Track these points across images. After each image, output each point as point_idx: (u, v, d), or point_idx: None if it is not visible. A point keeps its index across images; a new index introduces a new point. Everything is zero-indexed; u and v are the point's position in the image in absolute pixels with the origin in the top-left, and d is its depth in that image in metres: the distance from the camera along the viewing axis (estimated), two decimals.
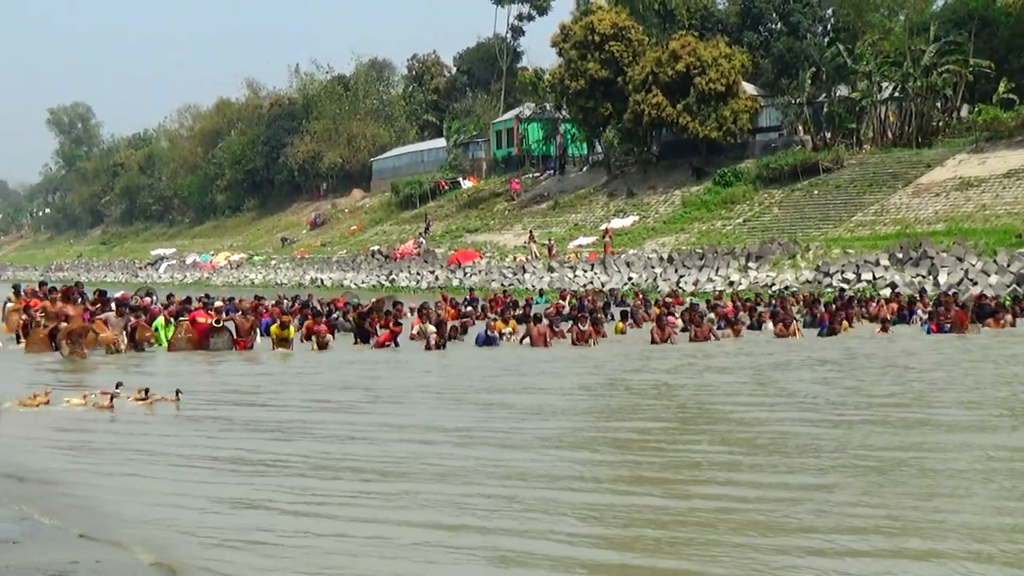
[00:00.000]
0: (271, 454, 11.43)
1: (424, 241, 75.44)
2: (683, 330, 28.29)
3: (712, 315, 30.98)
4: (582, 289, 52.42)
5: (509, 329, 28.82)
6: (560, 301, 38.77)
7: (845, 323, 29.26)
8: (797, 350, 24.38)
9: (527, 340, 26.95)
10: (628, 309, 34.78)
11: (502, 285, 58.04)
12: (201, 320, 25.34)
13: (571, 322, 28.79)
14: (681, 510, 8.69)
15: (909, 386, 17.30)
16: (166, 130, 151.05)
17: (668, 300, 37.64)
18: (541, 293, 48.15)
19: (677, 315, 30.96)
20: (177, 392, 15.24)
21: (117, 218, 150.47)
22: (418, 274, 67.56)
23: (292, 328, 25.76)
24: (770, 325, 29.77)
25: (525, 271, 60.77)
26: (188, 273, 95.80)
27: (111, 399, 14.75)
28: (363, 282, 70.09)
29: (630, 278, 54.06)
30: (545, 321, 28.67)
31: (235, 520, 8.58)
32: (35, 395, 14.98)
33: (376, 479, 10.12)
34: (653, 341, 26.30)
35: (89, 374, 20.04)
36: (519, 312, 33.56)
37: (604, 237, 61.88)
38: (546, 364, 22.31)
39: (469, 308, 35.71)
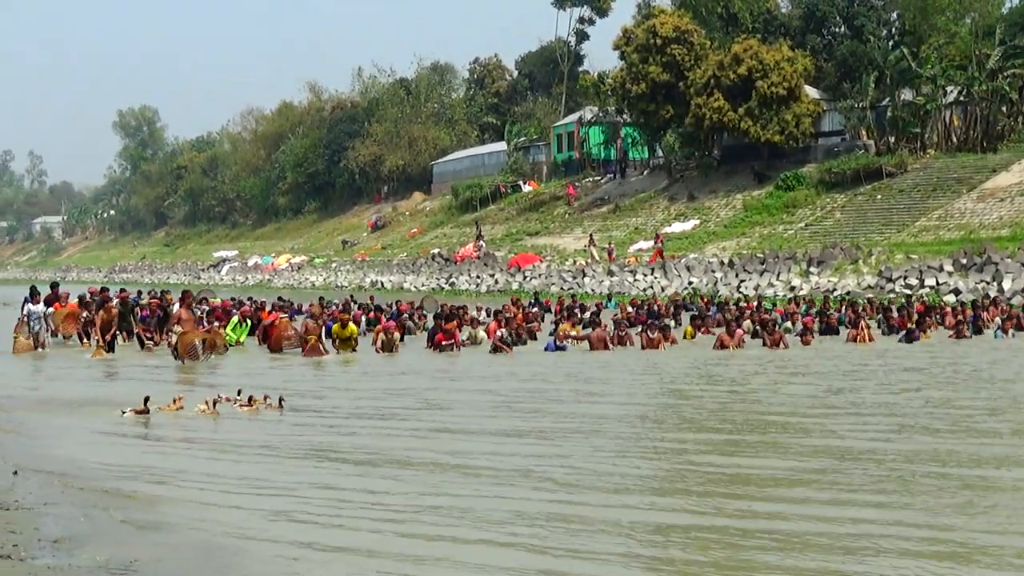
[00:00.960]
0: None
1: (484, 244, 75.50)
2: (753, 336, 28.25)
3: (788, 324, 31.10)
4: (642, 293, 52.39)
5: (575, 333, 28.60)
6: (628, 308, 38.12)
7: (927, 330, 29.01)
8: (876, 357, 24.20)
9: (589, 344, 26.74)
10: (696, 313, 34.65)
11: (562, 288, 58.08)
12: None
13: (641, 327, 28.77)
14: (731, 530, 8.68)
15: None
16: (229, 133, 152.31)
17: (741, 306, 37.23)
18: (610, 298, 47.82)
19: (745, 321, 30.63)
20: (280, 400, 15.80)
21: (180, 220, 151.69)
22: (478, 277, 67.68)
23: (353, 327, 25.88)
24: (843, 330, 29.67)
25: (585, 275, 60.73)
26: (250, 275, 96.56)
27: (214, 405, 15.35)
28: (423, 285, 70.33)
29: (690, 282, 53.89)
30: (610, 326, 28.37)
31: None
32: (174, 400, 15.65)
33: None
34: (722, 346, 26.23)
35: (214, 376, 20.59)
36: (585, 316, 33.04)
37: (656, 243, 61.80)
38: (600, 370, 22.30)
39: (535, 309, 35.44)
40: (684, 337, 29.38)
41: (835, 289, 46.48)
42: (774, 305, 39.44)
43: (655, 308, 35.97)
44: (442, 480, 10.87)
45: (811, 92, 71.15)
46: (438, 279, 71.10)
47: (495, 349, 25.82)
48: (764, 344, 26.88)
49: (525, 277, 64.34)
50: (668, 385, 19.85)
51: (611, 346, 26.63)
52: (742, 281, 51.57)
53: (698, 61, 71.40)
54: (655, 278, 56.36)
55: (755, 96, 67.16)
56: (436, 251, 79.07)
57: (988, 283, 41.58)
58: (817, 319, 31.46)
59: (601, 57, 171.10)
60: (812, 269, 49.96)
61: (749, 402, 17.05)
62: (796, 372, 21.59)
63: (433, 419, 15.32)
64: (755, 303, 38.90)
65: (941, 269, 44.41)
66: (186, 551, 8.18)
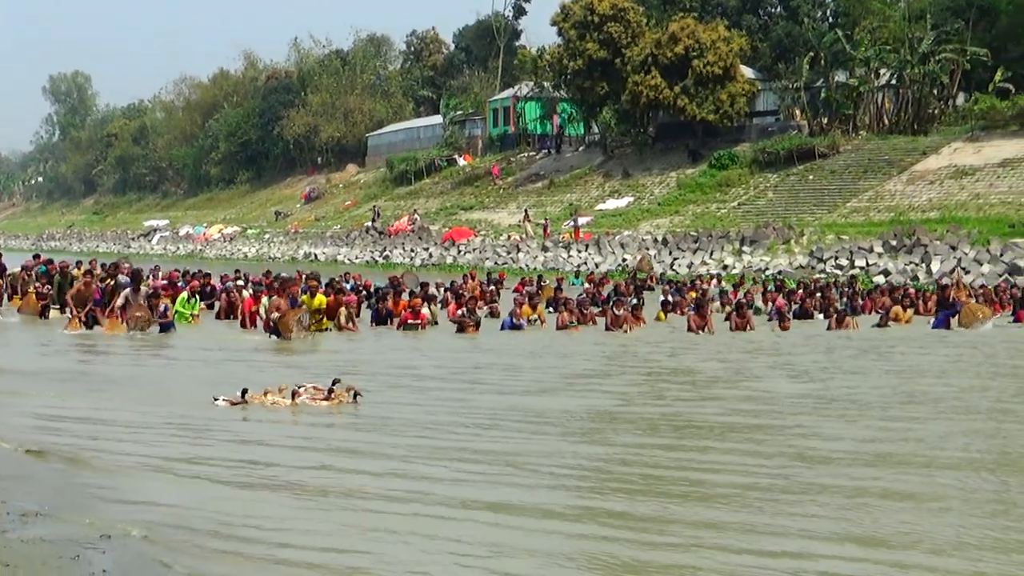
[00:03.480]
0: None
1: (419, 218, 75.43)
2: (726, 319, 26.93)
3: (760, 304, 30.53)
4: (575, 270, 52.60)
5: (536, 316, 26.99)
6: (587, 284, 37.07)
7: (906, 312, 28.25)
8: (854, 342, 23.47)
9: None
10: (668, 297, 32.31)
11: (496, 264, 58.20)
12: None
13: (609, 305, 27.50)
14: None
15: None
16: (161, 101, 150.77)
17: (702, 285, 36.16)
18: (576, 275, 47.35)
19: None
20: (355, 393, 14.05)
21: (110, 188, 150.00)
22: (412, 251, 67.67)
23: (322, 298, 24.04)
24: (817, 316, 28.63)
25: (519, 250, 60.89)
26: (181, 245, 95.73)
27: (293, 396, 13.89)
28: (357, 257, 70.21)
29: (624, 259, 54.17)
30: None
31: None
32: (280, 389, 14.14)
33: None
34: (690, 329, 25.06)
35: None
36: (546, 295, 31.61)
37: (574, 222, 62.08)
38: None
39: (492, 288, 34.79)
40: (656, 319, 28.01)
41: (767, 269, 46.97)
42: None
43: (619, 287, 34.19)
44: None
45: (746, 72, 71.69)
46: (372, 252, 70.97)
47: (460, 328, 24.81)
48: (732, 327, 25.81)
49: (459, 251, 64.41)
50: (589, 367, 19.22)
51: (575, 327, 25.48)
52: (675, 259, 51.95)
53: (635, 39, 71.62)
54: (589, 255, 56.61)
55: (691, 75, 67.51)
56: (370, 224, 78.88)
57: (917, 265, 42.20)
58: (788, 302, 30.26)
59: (539, 32, 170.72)
60: (745, 248, 50.43)
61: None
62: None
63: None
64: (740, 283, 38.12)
65: (871, 250, 45.01)
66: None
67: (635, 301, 27.53)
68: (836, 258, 45.49)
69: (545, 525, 8.15)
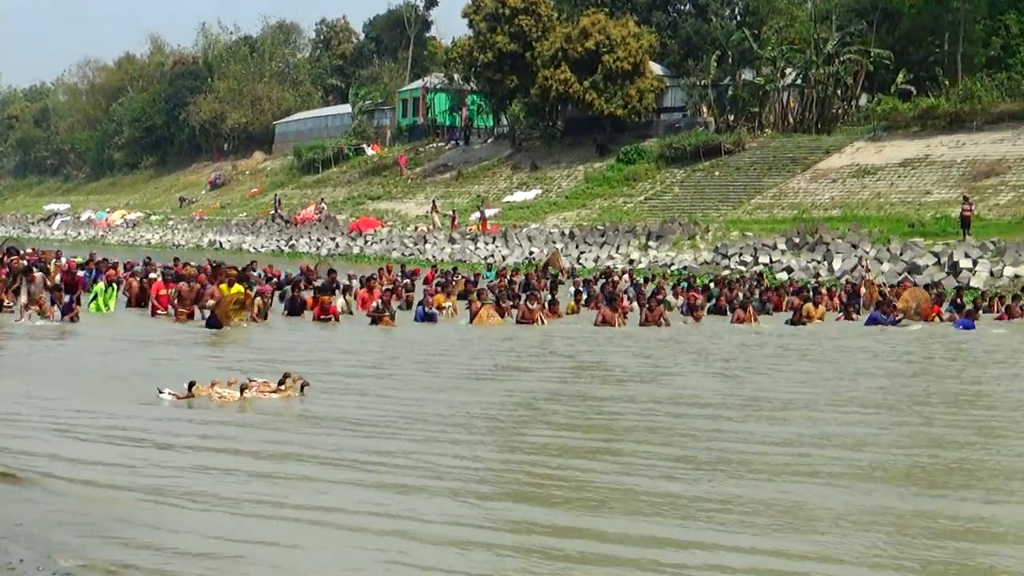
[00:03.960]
0: None
1: (326, 207, 75.10)
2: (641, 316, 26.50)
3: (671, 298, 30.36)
4: (483, 262, 52.77)
5: (449, 304, 27.33)
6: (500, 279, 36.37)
7: (818, 309, 28.35)
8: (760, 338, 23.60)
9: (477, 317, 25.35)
10: (579, 287, 32.03)
11: (403, 255, 58.18)
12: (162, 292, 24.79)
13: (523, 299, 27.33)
14: None
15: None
16: (65, 84, 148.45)
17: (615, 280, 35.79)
18: (489, 267, 47.07)
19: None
20: (303, 385, 13.89)
21: (9, 171, 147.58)
22: (319, 240, 67.39)
23: (239, 287, 24.12)
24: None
25: (427, 241, 60.89)
26: (83, 230, 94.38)
27: (242, 390, 13.61)
28: (262, 246, 69.78)
29: (531, 252, 54.41)
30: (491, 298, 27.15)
31: None
32: (229, 382, 13.89)
33: None
34: (602, 322, 24.93)
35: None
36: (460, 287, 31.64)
37: (481, 215, 62.24)
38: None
39: (406, 281, 34.14)
40: (567, 312, 27.98)
41: (672, 264, 47.43)
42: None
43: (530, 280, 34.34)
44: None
45: (655, 68, 72.24)
46: (278, 240, 70.59)
47: (374, 320, 24.63)
48: (642, 321, 25.72)
49: (366, 241, 64.25)
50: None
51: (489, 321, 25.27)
52: (582, 253, 52.27)
53: (546, 33, 71.91)
54: (496, 247, 56.78)
55: (601, 70, 67.91)
56: (274, 212, 78.37)
57: (819, 263, 42.87)
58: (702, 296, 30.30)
59: (450, 24, 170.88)
60: (651, 243, 50.88)
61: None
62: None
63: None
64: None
65: (775, 247, 45.63)
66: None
67: (549, 296, 27.58)
68: (740, 254, 46.06)
69: (437, 532, 7.99)
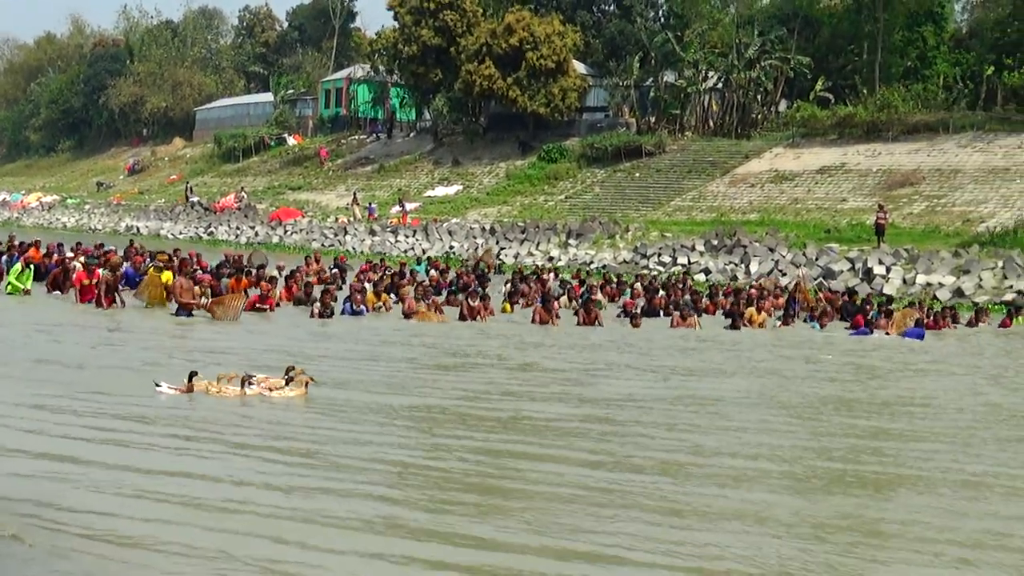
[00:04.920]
0: None
1: (246, 196, 74.70)
2: (575, 313, 26.50)
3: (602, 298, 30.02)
4: (403, 255, 52.78)
5: (381, 303, 26.80)
6: (433, 272, 36.19)
7: (759, 315, 27.75)
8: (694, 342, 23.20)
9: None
10: (512, 285, 31.52)
11: (323, 246, 58.06)
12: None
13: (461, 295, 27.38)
14: None
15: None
16: None
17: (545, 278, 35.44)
18: (418, 261, 46.21)
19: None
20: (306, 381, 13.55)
21: None
22: (238, 228, 67.00)
23: (168, 274, 24.10)
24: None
25: (347, 233, 60.81)
26: None
27: (243, 384, 13.33)
28: (181, 233, 69.24)
29: (451, 247, 54.56)
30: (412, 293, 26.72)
31: None
32: (229, 377, 13.54)
33: None
34: (537, 322, 24.79)
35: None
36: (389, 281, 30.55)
37: (401, 207, 62.40)
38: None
39: (335, 271, 33.85)
40: (501, 311, 27.64)
41: (592, 262, 47.80)
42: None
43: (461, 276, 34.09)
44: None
45: (579, 67, 72.59)
46: (196, 228, 70.10)
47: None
48: (578, 322, 25.51)
49: (286, 231, 64.02)
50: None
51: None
52: (503, 249, 52.47)
53: (470, 28, 72.04)
54: (416, 240, 56.85)
55: (524, 67, 68.15)
56: (196, 199, 77.81)
57: (736, 265, 43.45)
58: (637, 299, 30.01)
59: (375, 15, 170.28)
60: (571, 241, 51.22)
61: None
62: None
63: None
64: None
65: (693, 249, 46.14)
66: None
67: (482, 292, 27.24)
68: (659, 255, 46.50)
69: (346, 541, 7.86)
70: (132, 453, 10.21)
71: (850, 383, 17.56)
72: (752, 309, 27.80)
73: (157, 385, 13.22)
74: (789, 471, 10.53)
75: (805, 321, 28.52)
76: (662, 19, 77.12)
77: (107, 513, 8.16)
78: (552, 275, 38.61)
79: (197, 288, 23.71)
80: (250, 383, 13.37)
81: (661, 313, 28.54)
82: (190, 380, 13.26)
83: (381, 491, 9.19)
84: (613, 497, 9.12)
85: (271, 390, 13.39)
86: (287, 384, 13.40)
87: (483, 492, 9.24)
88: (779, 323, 27.93)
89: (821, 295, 32.33)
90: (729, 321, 26.70)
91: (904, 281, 38.42)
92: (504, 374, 17.04)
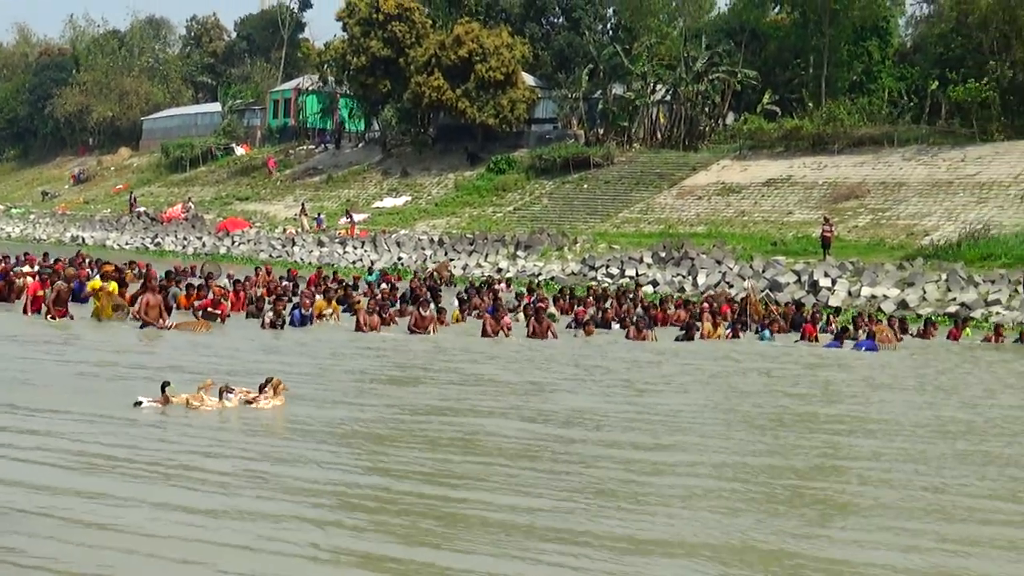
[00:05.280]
0: None
1: (192, 206, 74.30)
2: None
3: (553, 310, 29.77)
4: (352, 266, 52.68)
5: (331, 310, 26.79)
6: (384, 285, 35.62)
7: (717, 330, 27.60)
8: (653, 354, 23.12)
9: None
10: (464, 296, 31.74)
11: (271, 256, 57.87)
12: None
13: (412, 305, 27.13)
14: None
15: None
16: None
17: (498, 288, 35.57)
18: (370, 272, 45.78)
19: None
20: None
21: None
22: (185, 239, 66.60)
23: (114, 284, 23.96)
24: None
25: (295, 243, 60.62)
26: None
27: (221, 395, 13.31)
28: (127, 243, 68.75)
29: (400, 258, 54.52)
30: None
31: None
32: (204, 387, 13.46)
33: None
34: (486, 333, 24.76)
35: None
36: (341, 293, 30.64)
37: (348, 219, 62.22)
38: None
39: (286, 283, 33.30)
40: (453, 320, 27.71)
41: (540, 274, 47.88)
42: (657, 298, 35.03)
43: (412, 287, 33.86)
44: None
45: (527, 79, 72.79)
46: (143, 238, 69.63)
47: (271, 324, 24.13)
48: (529, 333, 25.41)
49: (234, 242, 63.72)
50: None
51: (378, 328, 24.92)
52: (452, 260, 52.46)
53: (419, 39, 72.10)
54: (365, 251, 56.75)
55: (473, 79, 68.30)
56: (142, 209, 77.30)
57: (684, 277, 43.64)
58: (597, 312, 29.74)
59: (324, 26, 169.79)
60: (520, 253, 51.30)
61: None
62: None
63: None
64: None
65: (641, 261, 46.30)
66: None
67: (435, 304, 26.99)
68: (608, 267, 46.63)
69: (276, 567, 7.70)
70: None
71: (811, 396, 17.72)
72: (709, 325, 27.66)
73: (138, 402, 13.09)
74: (745, 490, 10.54)
75: (756, 332, 28.64)
76: (611, 32, 77.48)
77: None
78: (504, 285, 38.62)
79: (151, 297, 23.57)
80: (228, 394, 13.30)
81: (612, 324, 28.52)
82: (163, 392, 13.20)
83: (316, 514, 8.96)
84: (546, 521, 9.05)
85: (249, 402, 13.35)
86: (261, 394, 13.39)
87: (426, 517, 9.02)
88: (728, 333, 27.94)
89: (772, 307, 32.59)
90: (683, 332, 26.67)
91: (849, 293, 38.73)
92: (455, 389, 16.79)
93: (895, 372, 22.02)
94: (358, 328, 24.68)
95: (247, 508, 8.96)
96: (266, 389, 13.46)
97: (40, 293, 23.79)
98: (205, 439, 11.73)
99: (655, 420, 14.40)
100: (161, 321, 22.49)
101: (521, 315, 28.86)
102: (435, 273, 44.99)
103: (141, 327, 22.34)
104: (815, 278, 40.07)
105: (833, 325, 30.43)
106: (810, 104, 61.69)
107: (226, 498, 9.27)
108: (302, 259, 56.59)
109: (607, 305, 31.01)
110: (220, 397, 13.22)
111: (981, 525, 9.51)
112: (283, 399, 13.53)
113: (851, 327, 28.27)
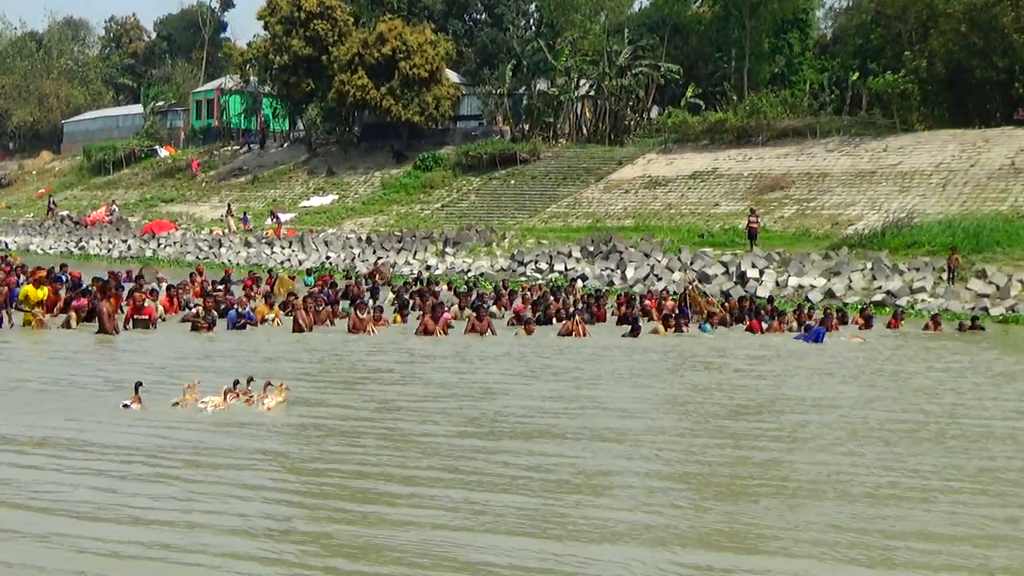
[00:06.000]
0: None
1: (116, 209, 73.59)
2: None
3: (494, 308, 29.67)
4: (279, 266, 52.46)
5: (273, 315, 26.48)
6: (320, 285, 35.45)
7: (666, 332, 27.18)
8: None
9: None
10: (406, 298, 31.57)
11: (197, 258, 57.50)
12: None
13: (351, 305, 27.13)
14: None
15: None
16: None
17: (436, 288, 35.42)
18: (309, 272, 45.25)
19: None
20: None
21: None
22: (110, 242, 65.95)
23: (45, 290, 23.60)
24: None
25: (222, 245, 60.27)
26: None
27: (225, 396, 13.80)
28: (51, 248, 67.95)
29: (328, 257, 54.38)
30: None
31: None
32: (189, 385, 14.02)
33: None
34: (425, 332, 24.59)
35: None
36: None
37: (274, 220, 61.84)
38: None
39: (221, 288, 33.37)
40: (393, 322, 27.34)
41: (470, 270, 47.96)
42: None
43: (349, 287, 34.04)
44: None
45: (452, 76, 72.84)
46: (67, 242, 68.87)
47: (194, 327, 23.95)
48: (467, 330, 25.49)
49: (160, 244, 63.21)
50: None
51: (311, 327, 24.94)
52: (380, 259, 52.39)
53: (342, 37, 71.83)
54: (292, 251, 56.55)
55: (397, 76, 68.24)
56: (65, 213, 76.45)
57: (613, 271, 43.88)
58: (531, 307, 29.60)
59: (245, 25, 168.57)
60: (448, 249, 51.33)
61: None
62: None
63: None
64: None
65: (570, 255, 46.51)
66: None
67: (372, 303, 26.93)
68: (536, 262, 46.81)
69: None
70: None
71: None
72: (660, 325, 27.47)
73: (125, 405, 13.49)
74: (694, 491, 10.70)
75: (700, 327, 28.56)
76: (533, 27, 77.69)
77: None
78: (445, 287, 38.45)
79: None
80: (229, 394, 13.79)
81: (553, 320, 28.35)
82: (136, 392, 13.62)
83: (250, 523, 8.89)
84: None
85: (248, 401, 13.85)
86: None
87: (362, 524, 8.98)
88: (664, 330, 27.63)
89: (710, 298, 32.83)
90: (627, 328, 26.50)
91: (777, 284, 39.21)
92: (394, 389, 16.78)
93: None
94: (297, 329, 24.60)
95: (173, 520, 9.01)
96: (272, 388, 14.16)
97: None
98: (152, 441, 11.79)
99: (597, 416, 14.49)
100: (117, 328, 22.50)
101: (457, 308, 28.67)
102: (374, 272, 44.88)
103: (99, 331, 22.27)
104: (743, 269, 40.51)
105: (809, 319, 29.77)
106: (733, 97, 62.21)
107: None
108: (229, 260, 56.25)
109: (547, 303, 30.62)
110: (224, 397, 13.70)
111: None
112: (283, 397, 14.13)
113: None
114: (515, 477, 10.68)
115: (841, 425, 14.18)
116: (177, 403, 13.67)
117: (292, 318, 25.35)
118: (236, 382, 14.17)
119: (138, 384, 13.79)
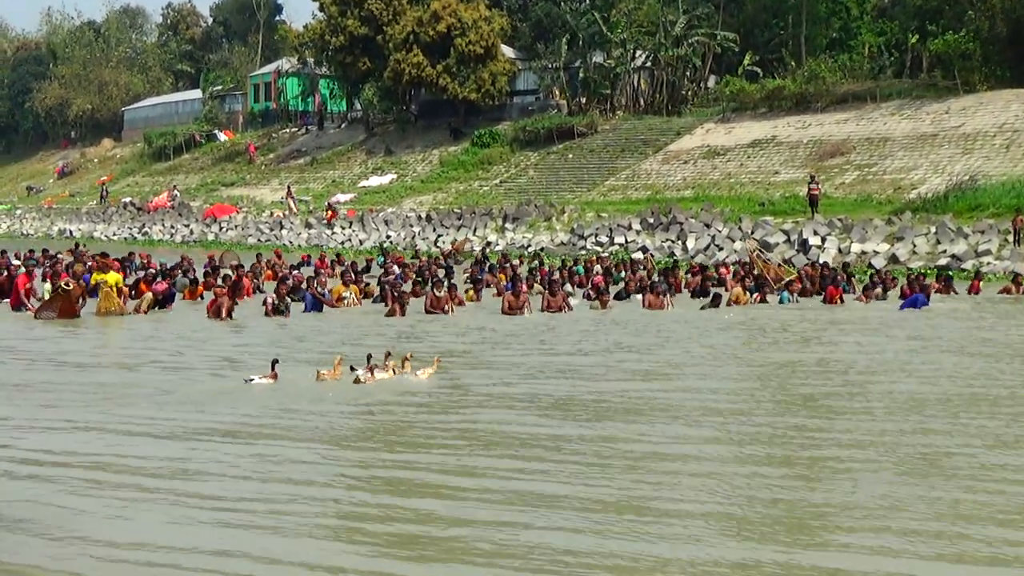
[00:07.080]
0: None
1: (178, 194, 74.19)
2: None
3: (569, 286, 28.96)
4: (340, 247, 52.64)
5: (349, 294, 26.37)
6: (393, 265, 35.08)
7: (746, 296, 27.01)
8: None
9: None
10: (480, 275, 31.25)
11: (259, 241, 57.83)
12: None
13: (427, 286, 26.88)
14: None
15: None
16: None
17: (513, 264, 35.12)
18: (383, 253, 44.43)
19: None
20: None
21: None
22: (172, 227, 66.49)
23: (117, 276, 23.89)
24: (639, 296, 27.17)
25: (283, 227, 60.56)
26: None
27: (372, 371, 14.71)
28: (115, 234, 68.58)
29: (388, 236, 54.48)
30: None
31: None
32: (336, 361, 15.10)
33: None
34: (507, 310, 24.27)
35: None
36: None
37: (327, 208, 61.77)
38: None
39: (296, 273, 32.48)
40: (467, 299, 27.06)
41: (530, 245, 47.89)
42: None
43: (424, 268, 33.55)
44: None
45: (507, 51, 72.67)
46: (130, 228, 69.47)
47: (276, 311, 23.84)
48: (543, 308, 25.07)
49: (221, 228, 63.61)
50: None
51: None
52: (440, 236, 52.47)
53: (397, 16, 71.77)
54: (353, 231, 56.70)
55: (453, 53, 68.20)
56: (128, 199, 77.17)
57: (673, 242, 43.68)
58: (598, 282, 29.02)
59: (301, 7, 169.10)
60: (508, 225, 51.29)
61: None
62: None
63: None
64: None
65: (630, 227, 46.33)
66: None
67: (448, 283, 26.42)
68: (596, 235, 46.67)
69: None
70: None
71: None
72: (739, 289, 27.23)
73: (249, 379, 14.47)
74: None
75: (779, 297, 28.09)
76: (588, 1, 77.22)
77: None
78: (519, 261, 38.28)
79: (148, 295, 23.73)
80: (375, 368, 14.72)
81: (630, 296, 28.01)
82: (273, 369, 14.58)
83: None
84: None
85: (394, 373, 14.94)
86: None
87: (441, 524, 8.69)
88: (756, 297, 27.49)
89: (781, 265, 32.40)
90: (708, 300, 26.25)
91: (839, 250, 38.86)
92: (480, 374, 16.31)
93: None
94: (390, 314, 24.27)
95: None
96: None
97: (28, 286, 23.80)
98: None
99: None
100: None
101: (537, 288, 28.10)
102: (454, 252, 44.73)
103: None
104: (804, 237, 40.15)
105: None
106: (791, 63, 61.60)
107: None
108: (291, 242, 56.56)
109: (622, 275, 30.31)
110: (371, 372, 14.55)
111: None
112: (434, 369, 15.27)
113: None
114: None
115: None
116: (324, 376, 14.60)
117: (382, 299, 25.42)
118: (370, 356, 14.96)
119: (275, 361, 14.66)
